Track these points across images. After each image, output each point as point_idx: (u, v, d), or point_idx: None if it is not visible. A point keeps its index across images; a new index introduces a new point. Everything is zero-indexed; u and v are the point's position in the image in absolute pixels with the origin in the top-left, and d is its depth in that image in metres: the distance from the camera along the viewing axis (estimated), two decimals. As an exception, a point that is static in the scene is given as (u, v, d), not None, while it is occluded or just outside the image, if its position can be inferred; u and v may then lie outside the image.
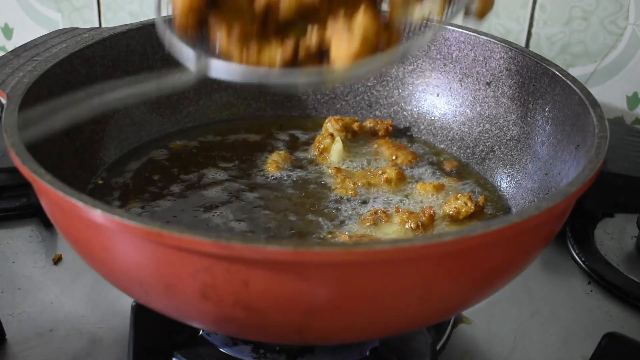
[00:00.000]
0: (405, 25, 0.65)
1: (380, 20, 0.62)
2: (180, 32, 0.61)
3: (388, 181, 0.84)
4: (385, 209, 0.79)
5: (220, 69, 0.59)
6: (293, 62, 0.63)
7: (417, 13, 0.63)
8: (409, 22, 0.64)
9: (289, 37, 0.63)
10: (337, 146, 0.89)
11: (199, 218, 0.78)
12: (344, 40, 0.60)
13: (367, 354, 0.72)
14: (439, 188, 0.83)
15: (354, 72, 0.61)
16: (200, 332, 0.73)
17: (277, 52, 0.61)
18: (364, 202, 0.81)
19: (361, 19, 0.60)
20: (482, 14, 0.65)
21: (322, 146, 0.90)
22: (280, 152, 0.89)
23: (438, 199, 0.82)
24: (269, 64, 0.62)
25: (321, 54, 0.63)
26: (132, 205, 0.80)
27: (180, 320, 0.63)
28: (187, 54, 0.60)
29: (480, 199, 0.80)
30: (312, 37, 0.62)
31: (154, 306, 0.63)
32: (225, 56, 0.62)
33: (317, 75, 0.62)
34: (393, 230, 0.76)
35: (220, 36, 0.61)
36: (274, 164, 0.87)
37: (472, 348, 0.77)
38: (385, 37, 0.62)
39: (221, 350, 0.72)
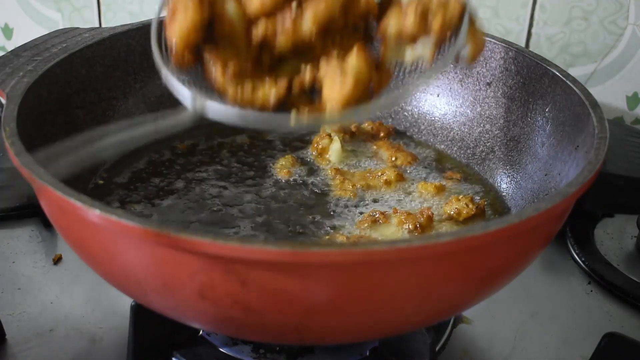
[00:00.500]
0: (396, 67, 0.66)
1: (372, 61, 0.63)
2: (176, 67, 0.62)
3: (387, 183, 0.84)
4: (383, 211, 0.79)
5: (216, 110, 0.60)
6: (286, 99, 0.63)
7: (409, 56, 0.64)
8: (400, 64, 0.65)
9: (282, 74, 0.64)
10: (336, 146, 0.89)
11: (198, 219, 0.78)
12: (336, 81, 0.61)
13: (367, 354, 0.72)
14: (440, 189, 0.83)
15: (346, 117, 0.62)
16: (200, 332, 0.73)
17: (271, 90, 0.62)
18: (363, 204, 0.81)
19: (354, 61, 0.61)
20: (473, 58, 0.65)
21: (320, 146, 0.90)
22: (287, 156, 0.89)
23: (438, 200, 0.82)
24: (262, 102, 0.62)
25: (313, 92, 0.64)
26: (132, 206, 0.80)
27: (179, 320, 0.63)
28: (183, 93, 0.61)
29: (481, 201, 0.80)
30: (305, 76, 0.63)
31: (153, 306, 0.63)
32: (221, 92, 0.63)
33: (309, 120, 0.62)
34: (391, 232, 0.76)
35: (215, 73, 0.62)
36: (284, 169, 0.87)
37: (472, 348, 0.77)
38: (377, 78, 0.63)
39: (221, 350, 0.72)
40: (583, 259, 0.89)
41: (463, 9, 0.63)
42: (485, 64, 0.90)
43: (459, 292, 0.61)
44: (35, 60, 0.82)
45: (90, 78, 0.85)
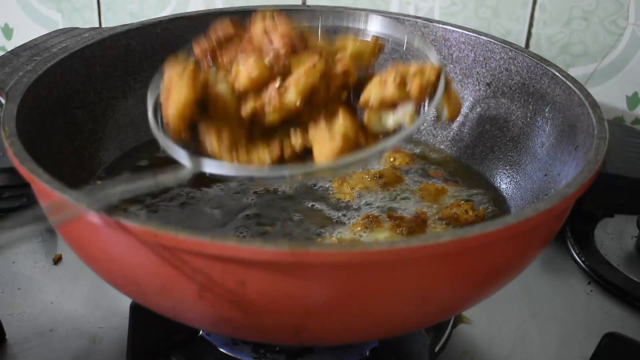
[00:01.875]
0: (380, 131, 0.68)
1: (358, 123, 0.66)
2: (173, 137, 0.64)
3: (386, 185, 0.84)
4: (377, 214, 0.78)
5: (214, 167, 0.62)
6: (280, 158, 0.67)
7: (390, 120, 0.67)
8: (383, 127, 0.68)
9: (274, 139, 0.66)
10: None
11: (198, 219, 0.78)
12: (326, 140, 0.64)
13: (367, 354, 0.72)
14: (441, 191, 0.83)
15: (336, 167, 0.64)
16: (200, 332, 0.73)
17: (265, 154, 0.65)
18: (361, 207, 0.81)
19: (340, 120, 0.64)
20: (453, 117, 0.69)
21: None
22: None
23: (438, 203, 0.82)
24: (258, 164, 0.66)
25: (304, 155, 0.67)
26: (130, 206, 0.80)
27: (178, 320, 0.63)
28: (181, 156, 0.63)
29: (482, 210, 0.80)
30: (296, 139, 0.66)
31: (152, 306, 0.63)
32: (217, 157, 0.65)
33: (302, 171, 0.65)
34: (384, 236, 0.76)
35: (210, 141, 0.65)
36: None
37: (472, 348, 0.77)
38: (363, 139, 0.66)
39: (221, 350, 0.72)
40: (583, 259, 0.89)
41: (439, 73, 0.66)
42: (485, 64, 0.90)
43: (458, 292, 0.61)
44: (35, 60, 0.82)
45: (90, 78, 0.85)
